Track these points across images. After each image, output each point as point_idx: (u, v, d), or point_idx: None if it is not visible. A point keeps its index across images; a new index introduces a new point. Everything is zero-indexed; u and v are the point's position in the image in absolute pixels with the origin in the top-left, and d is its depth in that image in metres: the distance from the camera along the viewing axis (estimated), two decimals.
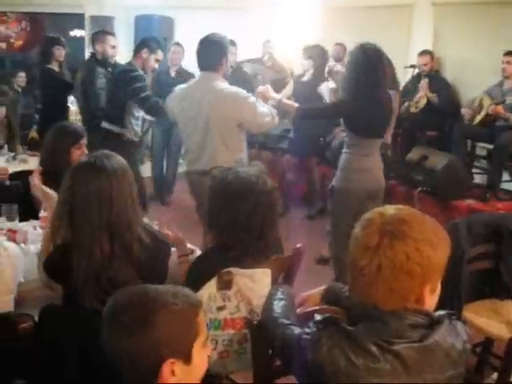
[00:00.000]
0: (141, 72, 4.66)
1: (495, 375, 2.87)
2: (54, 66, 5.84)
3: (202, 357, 1.39)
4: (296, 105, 3.87)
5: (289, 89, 5.80)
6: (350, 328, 1.42)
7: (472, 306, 2.87)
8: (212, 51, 3.49)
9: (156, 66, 4.94)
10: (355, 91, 3.52)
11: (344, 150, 3.74)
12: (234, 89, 3.51)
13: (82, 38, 8.45)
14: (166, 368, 1.29)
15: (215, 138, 3.44)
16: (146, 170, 6.49)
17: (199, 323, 1.37)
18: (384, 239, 1.36)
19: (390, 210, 1.44)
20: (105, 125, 4.75)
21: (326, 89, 4.69)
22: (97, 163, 1.99)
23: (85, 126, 5.42)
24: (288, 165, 6.37)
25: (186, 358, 1.33)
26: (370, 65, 3.47)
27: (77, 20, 8.17)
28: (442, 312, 1.47)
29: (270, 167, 6.80)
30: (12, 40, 8.98)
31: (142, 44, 4.77)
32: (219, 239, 2.23)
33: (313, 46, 5.64)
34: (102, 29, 6.29)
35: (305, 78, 5.69)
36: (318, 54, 5.59)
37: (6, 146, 4.91)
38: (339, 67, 4.10)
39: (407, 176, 5.35)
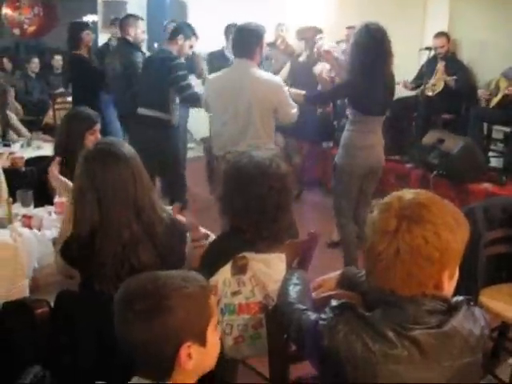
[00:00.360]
0: (182, 60, 4.65)
1: (511, 360, 2.85)
2: (84, 52, 5.72)
3: (215, 338, 1.40)
4: (303, 92, 3.91)
5: (284, 71, 5.77)
6: (366, 313, 1.41)
7: (488, 290, 2.84)
8: (249, 40, 3.59)
9: (190, 52, 4.95)
10: (359, 70, 3.58)
11: (347, 128, 3.81)
12: (272, 76, 3.75)
13: (94, 23, 8.42)
14: (184, 352, 1.30)
15: (257, 122, 3.57)
16: None
17: (211, 305, 1.38)
18: (402, 224, 1.35)
19: (409, 194, 1.42)
20: (142, 111, 4.65)
21: (319, 70, 4.64)
22: (113, 150, 2.02)
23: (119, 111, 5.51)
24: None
25: (202, 341, 1.34)
26: (373, 44, 3.52)
27: (89, 5, 8.15)
28: (459, 298, 1.45)
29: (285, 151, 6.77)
30: (25, 26, 8.97)
31: (178, 30, 4.72)
32: (233, 223, 2.23)
33: (306, 28, 5.58)
34: (130, 14, 6.11)
35: (301, 59, 5.64)
36: (311, 35, 5.53)
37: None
38: (330, 45, 4.09)
39: (423, 159, 5.29)
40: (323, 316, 1.46)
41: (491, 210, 2.87)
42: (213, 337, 1.38)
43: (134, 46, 5.45)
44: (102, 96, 5.73)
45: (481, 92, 5.62)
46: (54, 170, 2.77)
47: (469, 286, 2.77)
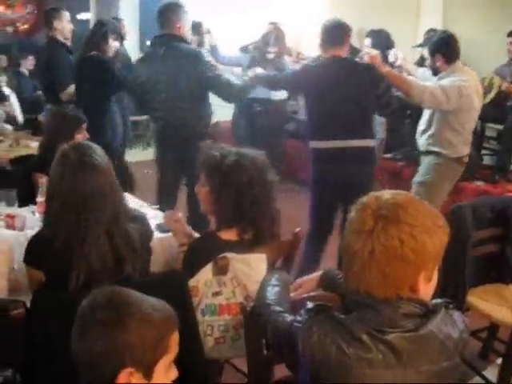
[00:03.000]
0: None
1: (500, 360, 2.83)
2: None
3: (164, 377, 1.33)
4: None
5: None
6: (341, 316, 1.38)
7: (477, 290, 2.83)
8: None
9: None
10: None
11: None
12: None
13: (87, 21, 8.36)
14: (123, 376, 1.25)
15: None
16: None
17: (172, 341, 1.33)
18: (378, 224, 1.32)
19: (386, 194, 1.40)
20: (336, 143, 3.48)
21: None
22: (88, 159, 2.00)
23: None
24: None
25: (147, 372, 1.28)
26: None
27: (82, 2, 8.09)
28: (438, 300, 1.42)
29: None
30: (18, 24, 8.90)
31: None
32: (218, 220, 2.22)
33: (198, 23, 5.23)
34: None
35: None
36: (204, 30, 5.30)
37: None
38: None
39: (415, 157, 5.25)
40: (298, 318, 1.44)
41: (480, 210, 2.85)
42: (161, 374, 1.31)
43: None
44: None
45: None
46: None
47: (457, 286, 2.75)
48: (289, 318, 1.53)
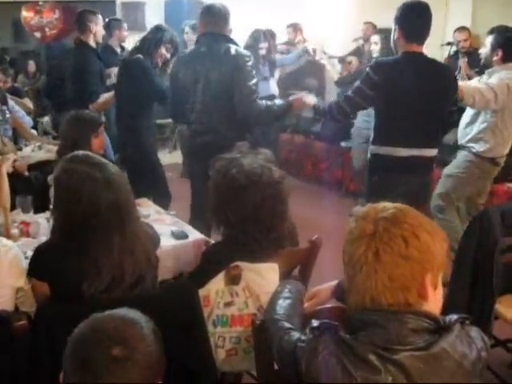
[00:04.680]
0: None
1: None
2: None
3: None
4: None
5: None
6: (347, 336, 1.28)
7: (506, 298, 2.71)
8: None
9: None
10: None
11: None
12: None
13: None
14: None
15: None
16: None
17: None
18: (379, 226, 1.28)
19: (385, 204, 1.37)
20: (410, 152, 3.10)
21: None
22: (106, 175, 1.93)
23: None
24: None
25: None
26: None
27: (108, 7, 8.09)
28: (453, 316, 1.31)
29: (302, 151, 6.67)
30: (47, 29, 8.95)
31: None
32: (229, 234, 2.14)
33: None
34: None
35: None
36: None
37: None
38: None
39: (444, 159, 5.09)
40: (303, 338, 1.35)
41: (509, 214, 2.71)
42: None
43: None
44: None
45: None
46: None
47: (485, 294, 2.63)
48: (295, 336, 1.44)
